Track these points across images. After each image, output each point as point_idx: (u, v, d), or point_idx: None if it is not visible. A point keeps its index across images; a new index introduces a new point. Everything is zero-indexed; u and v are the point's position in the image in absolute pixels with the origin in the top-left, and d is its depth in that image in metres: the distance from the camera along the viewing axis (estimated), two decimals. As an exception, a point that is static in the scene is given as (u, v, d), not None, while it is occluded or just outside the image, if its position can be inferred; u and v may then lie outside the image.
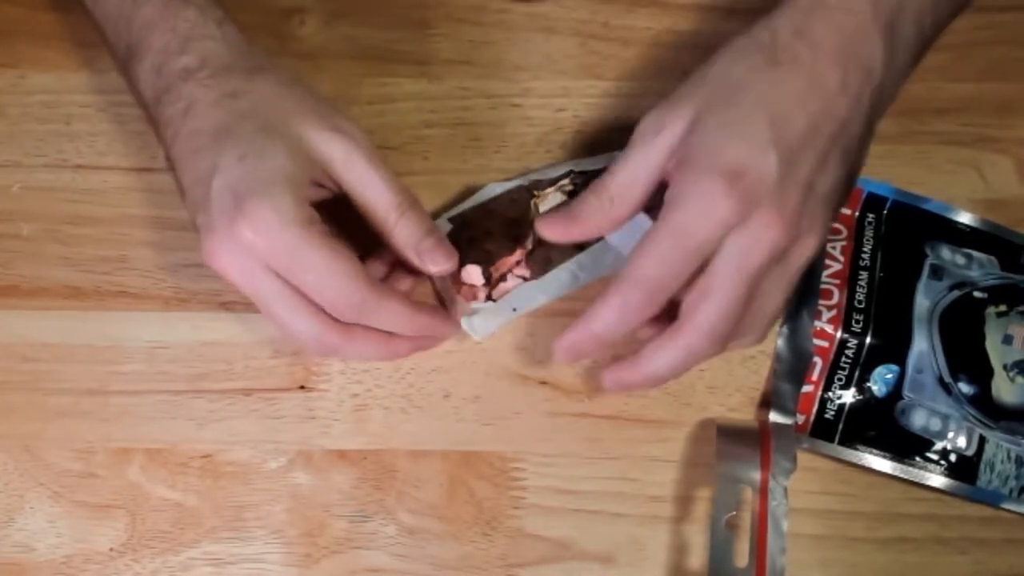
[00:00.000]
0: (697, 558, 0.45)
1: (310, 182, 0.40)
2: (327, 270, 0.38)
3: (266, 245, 0.38)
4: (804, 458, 0.46)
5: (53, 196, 0.47)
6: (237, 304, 0.46)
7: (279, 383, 0.46)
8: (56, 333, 0.46)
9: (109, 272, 0.47)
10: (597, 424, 0.46)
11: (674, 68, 0.50)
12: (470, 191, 0.48)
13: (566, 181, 0.45)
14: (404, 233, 0.41)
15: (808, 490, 0.46)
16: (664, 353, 0.40)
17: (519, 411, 0.46)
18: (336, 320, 0.39)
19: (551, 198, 0.44)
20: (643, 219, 0.42)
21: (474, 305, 0.44)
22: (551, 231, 0.43)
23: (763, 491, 0.43)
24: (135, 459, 0.45)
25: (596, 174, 0.45)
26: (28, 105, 0.48)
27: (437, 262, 0.41)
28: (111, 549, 0.44)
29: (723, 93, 0.39)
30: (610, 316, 0.39)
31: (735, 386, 0.47)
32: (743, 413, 0.47)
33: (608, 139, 0.49)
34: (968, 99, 0.51)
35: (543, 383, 0.47)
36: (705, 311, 0.38)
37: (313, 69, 0.49)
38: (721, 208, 0.37)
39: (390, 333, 0.41)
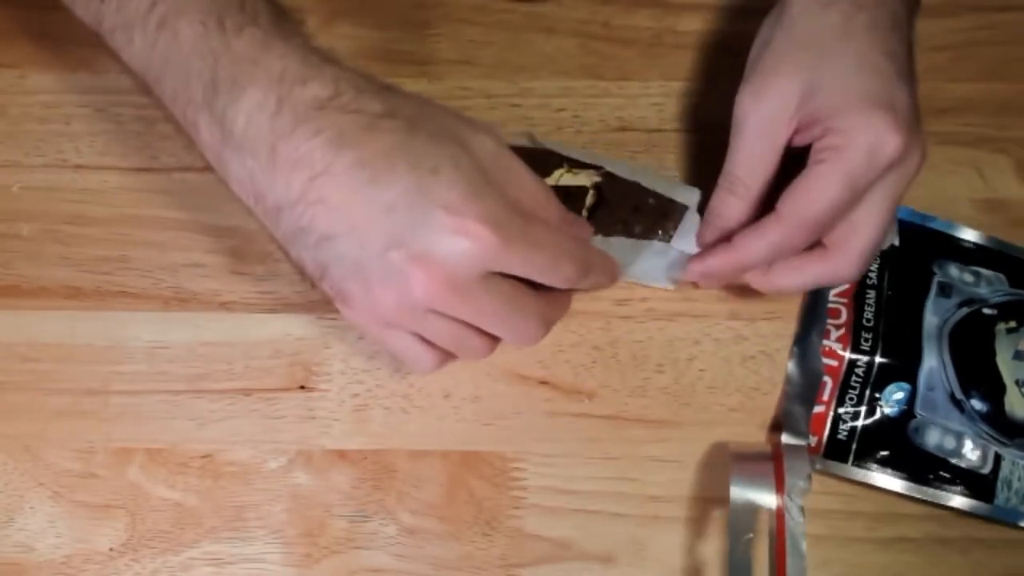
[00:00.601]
0: (697, 558, 0.45)
1: None
2: (559, 238, 0.37)
3: (501, 240, 0.34)
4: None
5: (53, 196, 0.47)
6: (237, 304, 0.46)
7: (279, 383, 0.46)
8: (56, 333, 0.46)
9: (109, 272, 0.47)
10: (597, 424, 0.46)
11: (674, 68, 0.50)
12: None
13: (594, 172, 0.45)
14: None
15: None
16: (804, 273, 0.42)
17: (519, 411, 0.46)
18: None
19: (580, 177, 0.44)
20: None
21: None
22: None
23: (779, 515, 0.42)
24: (135, 459, 0.45)
25: (622, 184, 0.45)
26: (28, 105, 0.48)
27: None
28: (111, 549, 0.44)
29: (828, 39, 0.40)
30: (765, 249, 0.40)
31: (735, 386, 0.47)
32: (743, 413, 0.47)
33: (608, 139, 0.49)
34: (968, 99, 0.51)
35: (543, 383, 0.47)
36: (858, 242, 0.40)
37: (313, 69, 0.49)
38: (891, 144, 0.38)
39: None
